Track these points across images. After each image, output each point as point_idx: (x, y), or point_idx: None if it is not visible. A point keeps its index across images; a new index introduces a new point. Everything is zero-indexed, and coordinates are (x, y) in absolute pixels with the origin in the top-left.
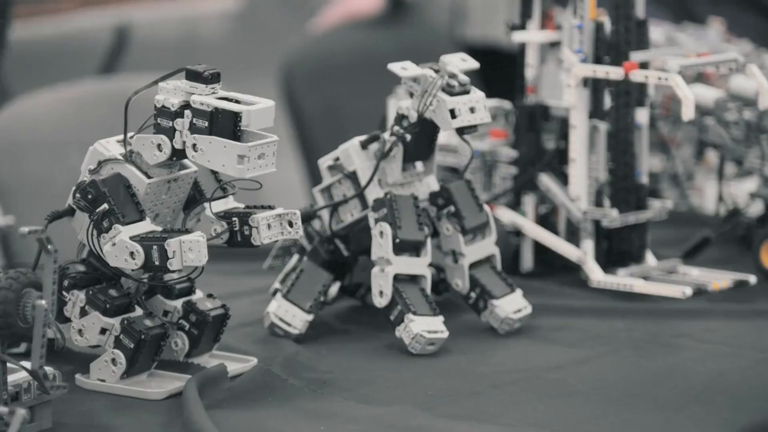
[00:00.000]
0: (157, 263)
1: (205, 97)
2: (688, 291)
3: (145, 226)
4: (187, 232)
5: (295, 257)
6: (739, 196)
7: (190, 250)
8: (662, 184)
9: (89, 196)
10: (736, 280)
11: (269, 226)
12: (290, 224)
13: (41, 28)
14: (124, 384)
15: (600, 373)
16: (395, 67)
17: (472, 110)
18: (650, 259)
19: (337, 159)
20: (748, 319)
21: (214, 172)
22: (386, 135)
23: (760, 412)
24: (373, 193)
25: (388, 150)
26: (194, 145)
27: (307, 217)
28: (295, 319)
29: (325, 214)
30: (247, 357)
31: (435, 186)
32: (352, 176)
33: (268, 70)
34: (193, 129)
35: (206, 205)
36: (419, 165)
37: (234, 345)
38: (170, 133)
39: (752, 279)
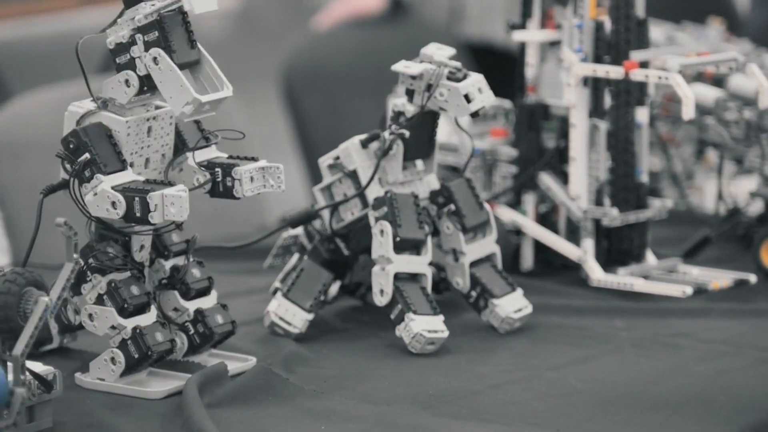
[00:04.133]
0: (138, 215)
1: (146, 9)
2: (689, 290)
3: (127, 176)
4: (171, 184)
5: (296, 256)
6: (739, 195)
7: (171, 204)
8: (662, 183)
9: (71, 146)
10: (737, 279)
11: (252, 178)
12: (274, 178)
13: (41, 27)
14: (123, 383)
15: (600, 372)
16: (399, 66)
17: (480, 91)
18: (650, 258)
19: (338, 158)
20: (748, 319)
21: (197, 121)
22: (386, 134)
23: (760, 411)
24: (374, 192)
25: (388, 147)
26: (155, 59)
27: (308, 217)
28: (296, 318)
29: (325, 213)
30: (246, 356)
31: (435, 184)
32: (353, 175)
33: (268, 70)
34: (148, 45)
35: (188, 154)
36: (419, 163)
37: (234, 344)
38: (131, 64)
39: (752, 278)
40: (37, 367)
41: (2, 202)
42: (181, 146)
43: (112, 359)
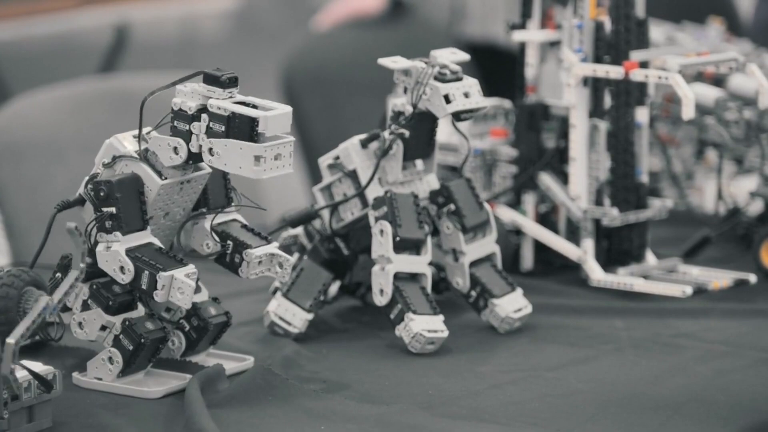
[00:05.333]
0: (144, 288)
1: (223, 102)
2: (688, 290)
3: (144, 236)
4: (182, 262)
5: (296, 256)
6: (739, 195)
7: (179, 290)
8: (662, 183)
9: (101, 194)
10: (736, 279)
11: (260, 262)
12: (280, 265)
13: (40, 27)
14: (121, 382)
15: (600, 372)
16: (386, 61)
17: (466, 95)
18: (650, 258)
19: (337, 158)
20: (748, 319)
21: (226, 182)
22: (386, 134)
23: (760, 412)
24: (374, 192)
25: (388, 147)
26: (210, 149)
27: (308, 217)
28: (295, 318)
29: (325, 212)
30: (244, 356)
31: (435, 184)
32: (352, 175)
33: (268, 70)
34: (210, 133)
35: (208, 217)
36: (419, 163)
37: (234, 344)
38: (187, 136)
39: (752, 278)
40: (37, 367)
41: (2, 202)
42: (203, 203)
43: (110, 359)
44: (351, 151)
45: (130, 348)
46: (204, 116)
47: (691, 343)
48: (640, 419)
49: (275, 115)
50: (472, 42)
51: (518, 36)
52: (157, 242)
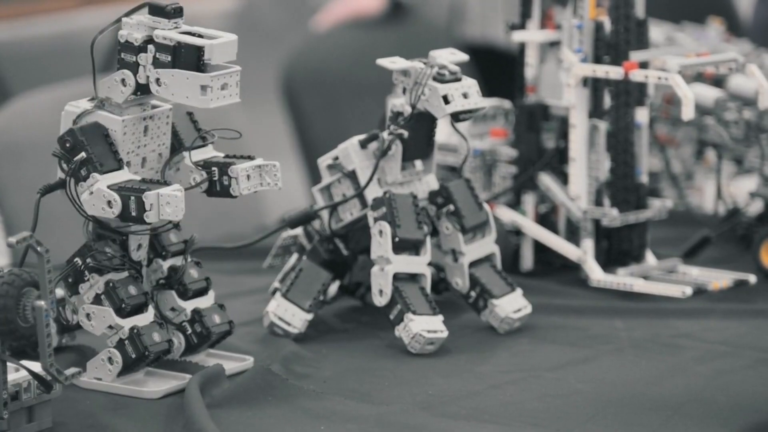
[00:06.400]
0: (134, 214)
1: (168, 32)
2: (688, 290)
3: (123, 175)
4: (166, 184)
5: (295, 256)
6: (739, 196)
7: (167, 203)
8: (662, 183)
9: (67, 145)
10: (736, 279)
11: (248, 176)
12: (269, 176)
13: (40, 27)
14: (120, 383)
15: (600, 373)
16: (384, 61)
17: (465, 96)
18: (650, 258)
19: (337, 158)
20: (747, 319)
21: (193, 121)
22: (385, 134)
23: (759, 412)
24: (373, 192)
25: (387, 148)
26: (157, 80)
27: (307, 217)
28: (295, 318)
29: (324, 213)
30: (244, 356)
31: (434, 185)
32: (352, 175)
33: (267, 70)
34: (157, 63)
35: (185, 154)
36: (418, 164)
37: (233, 344)
38: (134, 68)
39: (752, 278)
40: (36, 367)
41: (2, 202)
42: (177, 146)
43: (110, 359)
44: (350, 152)
45: (133, 356)
46: (150, 47)
47: (690, 344)
48: (640, 419)
49: (221, 43)
50: (471, 43)
51: (518, 36)
52: (138, 178)
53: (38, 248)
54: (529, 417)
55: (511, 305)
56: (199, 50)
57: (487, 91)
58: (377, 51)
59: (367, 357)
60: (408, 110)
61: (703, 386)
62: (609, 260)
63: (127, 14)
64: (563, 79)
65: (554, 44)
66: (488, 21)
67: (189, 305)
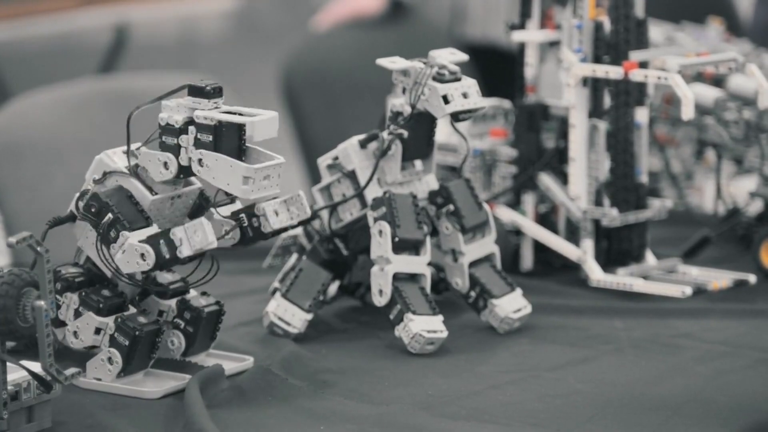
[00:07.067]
0: (167, 256)
1: (208, 112)
2: (688, 290)
3: (152, 230)
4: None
5: (295, 256)
6: (739, 195)
7: (195, 233)
8: (662, 183)
9: (93, 210)
10: (736, 279)
11: (276, 212)
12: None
13: (40, 27)
14: (120, 383)
15: (600, 373)
16: (384, 61)
17: (464, 96)
18: (650, 258)
19: (336, 158)
20: (747, 319)
21: (205, 198)
22: (385, 134)
23: (759, 412)
24: (372, 192)
25: (387, 147)
26: (200, 160)
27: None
28: (295, 318)
29: (324, 213)
30: (244, 356)
31: (434, 185)
32: (351, 175)
33: (267, 70)
34: (198, 144)
35: (213, 210)
36: (418, 164)
37: (233, 344)
38: (176, 150)
39: (752, 278)
40: (36, 367)
41: (2, 202)
42: (204, 204)
43: (109, 359)
44: (350, 152)
45: (126, 344)
46: (191, 128)
47: (690, 343)
48: (640, 419)
49: (261, 120)
50: (472, 43)
51: (518, 36)
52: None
53: (38, 248)
54: (529, 417)
55: (511, 305)
56: (241, 128)
57: (487, 91)
58: (377, 51)
59: (367, 357)
60: (408, 110)
61: (703, 386)
62: (609, 260)
63: (166, 96)
64: (563, 79)
65: (554, 44)
66: (489, 21)
67: (172, 302)
